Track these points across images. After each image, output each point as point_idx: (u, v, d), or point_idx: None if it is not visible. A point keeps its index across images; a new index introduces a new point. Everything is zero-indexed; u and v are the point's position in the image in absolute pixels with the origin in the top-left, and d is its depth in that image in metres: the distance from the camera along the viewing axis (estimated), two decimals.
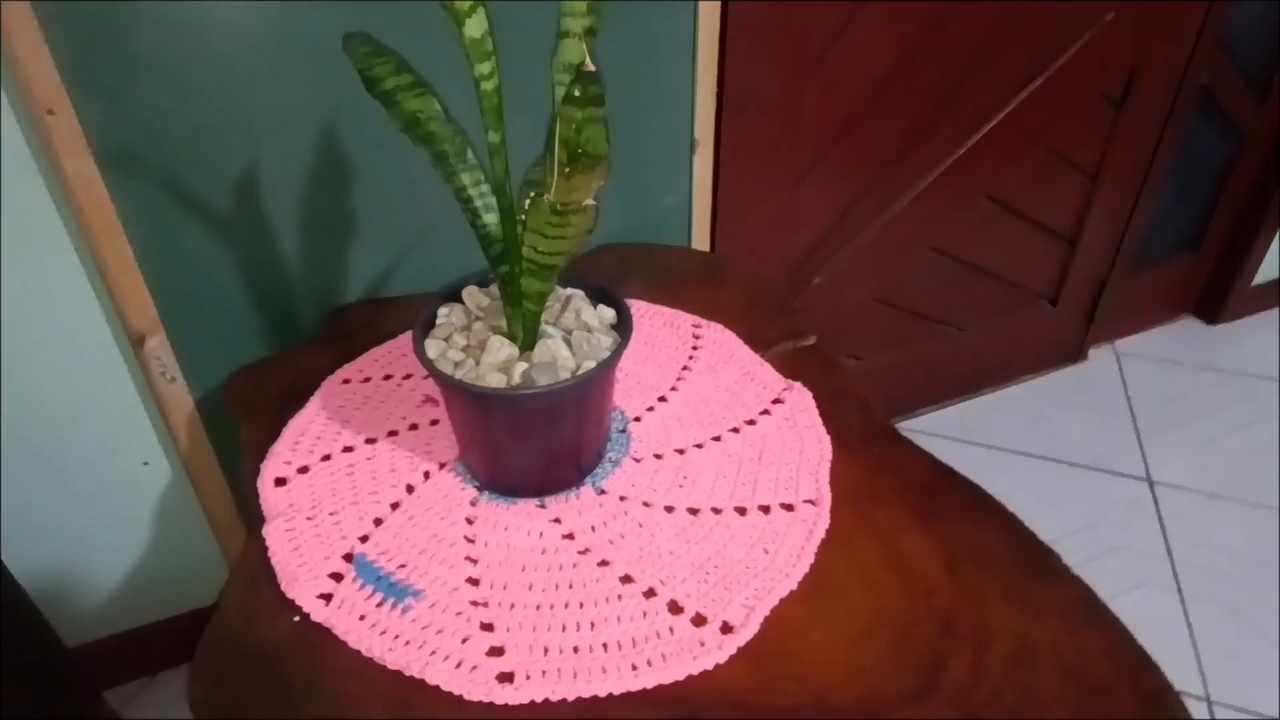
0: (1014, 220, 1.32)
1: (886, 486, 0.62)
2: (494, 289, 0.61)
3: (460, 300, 0.61)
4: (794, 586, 0.53)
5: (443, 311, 0.59)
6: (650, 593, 0.53)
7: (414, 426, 0.67)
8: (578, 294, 0.60)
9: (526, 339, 0.55)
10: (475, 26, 0.43)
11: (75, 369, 0.82)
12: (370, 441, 0.66)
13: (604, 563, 0.55)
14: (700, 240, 1.04)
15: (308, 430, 0.67)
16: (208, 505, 0.91)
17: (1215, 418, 1.47)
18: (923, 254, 1.27)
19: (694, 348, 0.76)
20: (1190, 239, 1.62)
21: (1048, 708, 0.47)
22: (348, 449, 0.65)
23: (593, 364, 0.54)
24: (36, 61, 0.64)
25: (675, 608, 0.52)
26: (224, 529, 0.94)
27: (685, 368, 0.74)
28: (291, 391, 0.73)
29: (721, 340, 0.78)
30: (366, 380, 0.73)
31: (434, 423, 0.68)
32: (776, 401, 0.70)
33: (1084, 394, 1.54)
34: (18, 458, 0.84)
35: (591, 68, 0.38)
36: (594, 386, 0.55)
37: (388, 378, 0.73)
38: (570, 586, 0.53)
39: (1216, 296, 1.68)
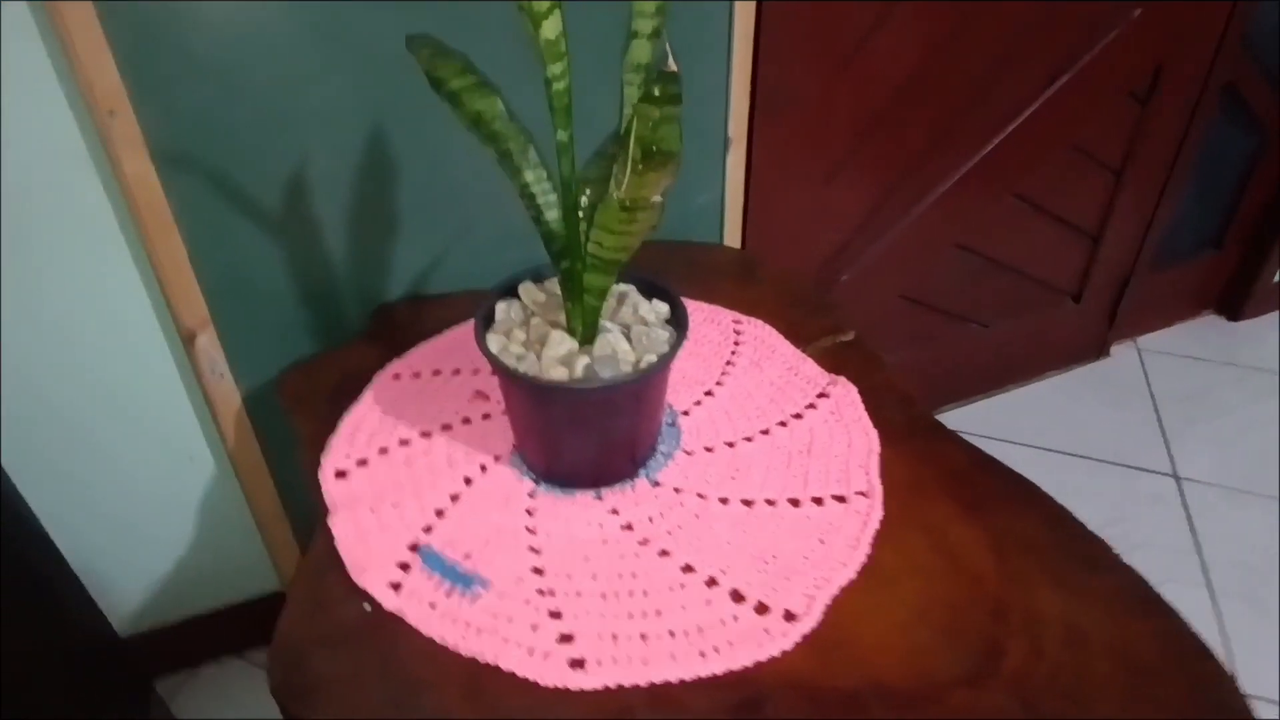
0: (1038, 217, 1.33)
1: (932, 478, 0.63)
2: (549, 284, 0.62)
3: (516, 296, 0.62)
4: (852, 576, 0.54)
5: (501, 307, 0.61)
6: (712, 582, 0.54)
7: (466, 420, 0.69)
8: (631, 289, 0.61)
9: (586, 333, 0.57)
10: (551, 28, 0.44)
11: (126, 365, 0.83)
12: (425, 435, 0.67)
13: (664, 553, 0.56)
14: (732, 238, 1.05)
15: (363, 424, 0.68)
16: (252, 500, 0.93)
17: (1239, 414, 1.48)
18: (949, 251, 1.28)
19: (736, 343, 0.78)
20: (1212, 236, 1.62)
21: (1102, 693, 0.48)
22: (404, 442, 0.66)
23: (653, 357, 0.55)
24: (98, 62, 0.65)
25: (737, 596, 0.53)
26: (268, 523, 0.95)
27: (729, 363, 0.75)
28: (343, 387, 0.74)
29: (762, 336, 0.79)
30: (416, 375, 0.74)
31: (486, 416, 0.69)
32: (821, 396, 0.71)
33: (1107, 390, 1.54)
34: (72, 450, 0.86)
35: (674, 68, 0.39)
36: (653, 379, 0.56)
37: (437, 373, 0.74)
38: (634, 576, 0.54)
39: (1238, 293, 1.68)
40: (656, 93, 0.40)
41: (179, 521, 0.96)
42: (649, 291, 0.62)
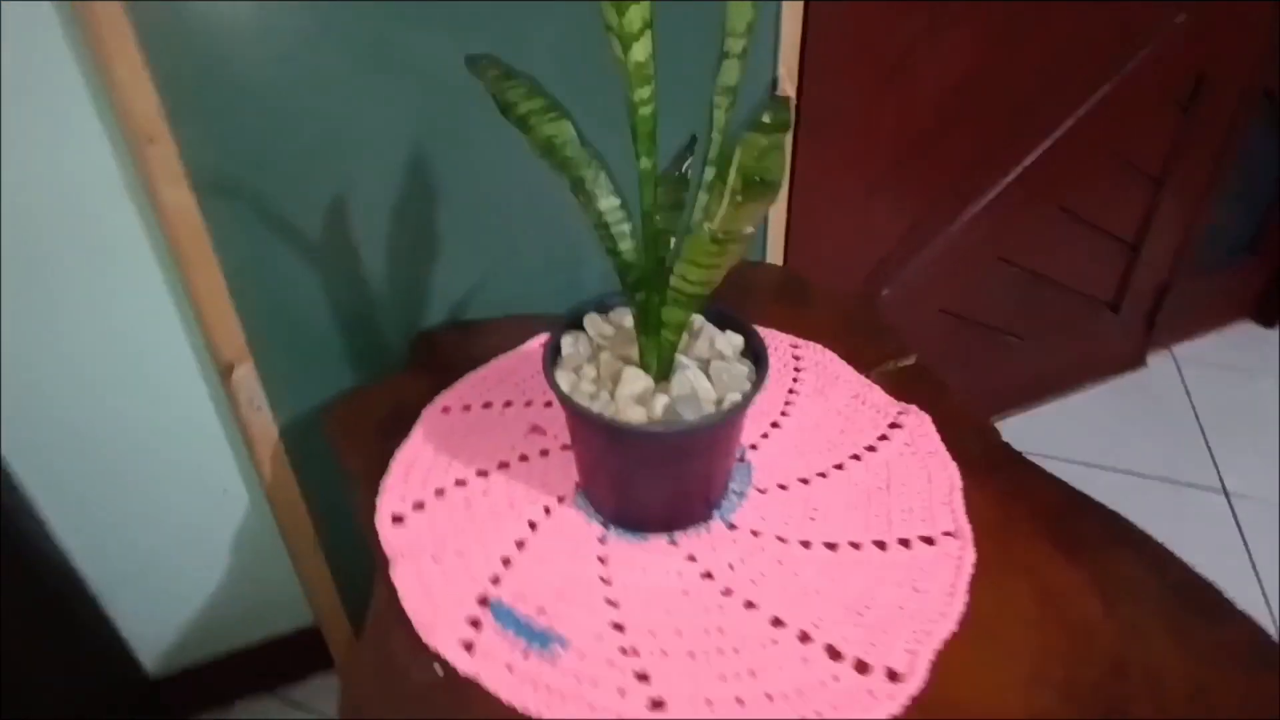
0: (1079, 228, 1.30)
1: (1022, 516, 0.60)
2: (615, 316, 0.59)
3: (580, 328, 0.59)
4: (953, 628, 0.51)
5: (567, 341, 0.57)
6: (805, 637, 0.51)
7: (524, 458, 0.65)
8: (704, 321, 0.58)
9: (661, 369, 0.53)
10: (642, 50, 0.41)
11: (159, 398, 0.80)
12: (482, 474, 0.64)
13: (750, 604, 0.53)
14: (774, 255, 1.02)
15: (416, 463, 0.65)
16: (288, 534, 0.89)
17: None
18: (990, 264, 1.25)
19: (797, 370, 0.74)
20: (1248, 242, 1.59)
21: None
22: (460, 482, 0.63)
23: (737, 396, 0.51)
24: (138, 89, 0.62)
25: (834, 653, 0.50)
26: (303, 557, 0.92)
27: (791, 390, 0.72)
28: (391, 420, 0.71)
29: (823, 361, 0.75)
30: (467, 409, 0.71)
31: (544, 453, 0.66)
32: (893, 426, 0.67)
33: (1147, 403, 1.51)
34: (104, 485, 0.83)
35: (789, 92, 0.36)
36: (736, 418, 0.53)
37: (487, 405, 0.71)
38: (721, 631, 0.51)
39: (1274, 300, 1.65)
40: (767, 119, 0.36)
41: (212, 557, 0.93)
42: (719, 322, 0.58)
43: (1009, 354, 1.39)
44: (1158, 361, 1.59)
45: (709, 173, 0.48)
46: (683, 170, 0.55)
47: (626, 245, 0.51)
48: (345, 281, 0.78)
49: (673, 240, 0.53)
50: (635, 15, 0.38)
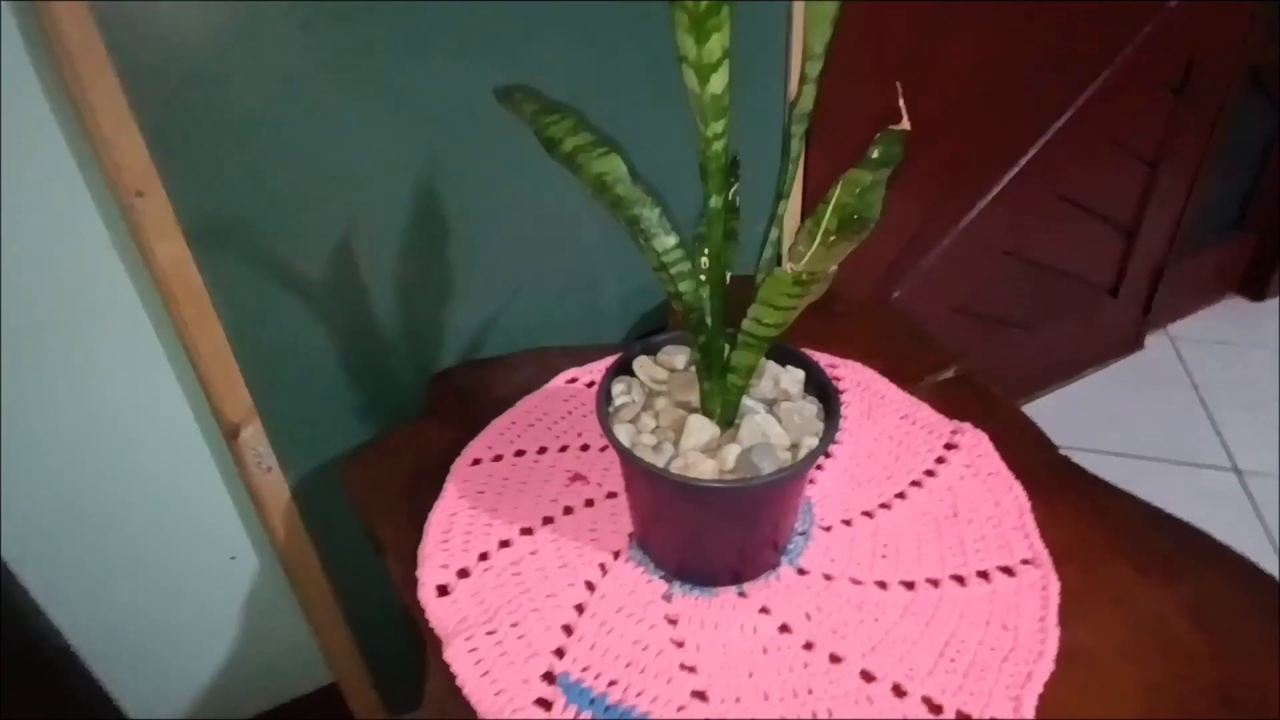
0: (1079, 215, 1.29)
1: (1096, 538, 0.57)
2: (666, 358, 0.55)
3: (630, 372, 0.55)
4: (1052, 667, 0.48)
5: (619, 388, 0.53)
6: (899, 690, 0.48)
7: (569, 510, 0.61)
8: (765, 359, 0.54)
9: (726, 415, 0.50)
10: (719, 82, 0.37)
11: (160, 465, 0.75)
12: (526, 532, 0.59)
13: (835, 658, 0.50)
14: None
15: (453, 525, 0.61)
16: (306, 600, 0.84)
17: None
18: (996, 258, 1.24)
19: (839, 392, 0.71)
20: (1235, 217, 1.60)
21: None
22: (504, 543, 0.59)
23: (813, 440, 0.48)
24: (124, 140, 0.57)
25: (934, 707, 0.47)
26: (319, 616, 0.87)
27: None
28: (415, 476, 0.67)
29: (864, 380, 0.73)
30: (498, 459, 0.67)
31: (589, 504, 0.62)
32: (949, 447, 0.65)
33: (1148, 383, 1.51)
34: (101, 559, 0.77)
35: (906, 126, 0.32)
36: (813, 464, 0.49)
37: (520, 454, 0.67)
38: (810, 692, 0.48)
39: (1261, 273, 1.67)
40: (875, 155, 0.33)
41: (221, 626, 0.87)
42: (778, 358, 0.55)
43: (1016, 345, 1.38)
44: (1154, 341, 1.60)
45: (782, 206, 0.45)
46: (730, 196, 0.51)
47: (687, 285, 0.47)
48: (354, 326, 0.74)
49: (728, 275, 0.49)
50: (716, 44, 0.35)
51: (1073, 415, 1.45)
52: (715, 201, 0.43)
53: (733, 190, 0.52)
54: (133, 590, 0.80)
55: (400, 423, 0.75)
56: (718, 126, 0.39)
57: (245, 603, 0.87)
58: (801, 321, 0.70)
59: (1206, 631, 0.50)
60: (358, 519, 0.67)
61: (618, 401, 0.53)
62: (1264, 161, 1.52)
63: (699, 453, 0.48)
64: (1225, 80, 1.27)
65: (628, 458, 0.48)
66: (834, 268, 0.41)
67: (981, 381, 0.73)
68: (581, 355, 0.77)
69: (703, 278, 0.48)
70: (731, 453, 0.48)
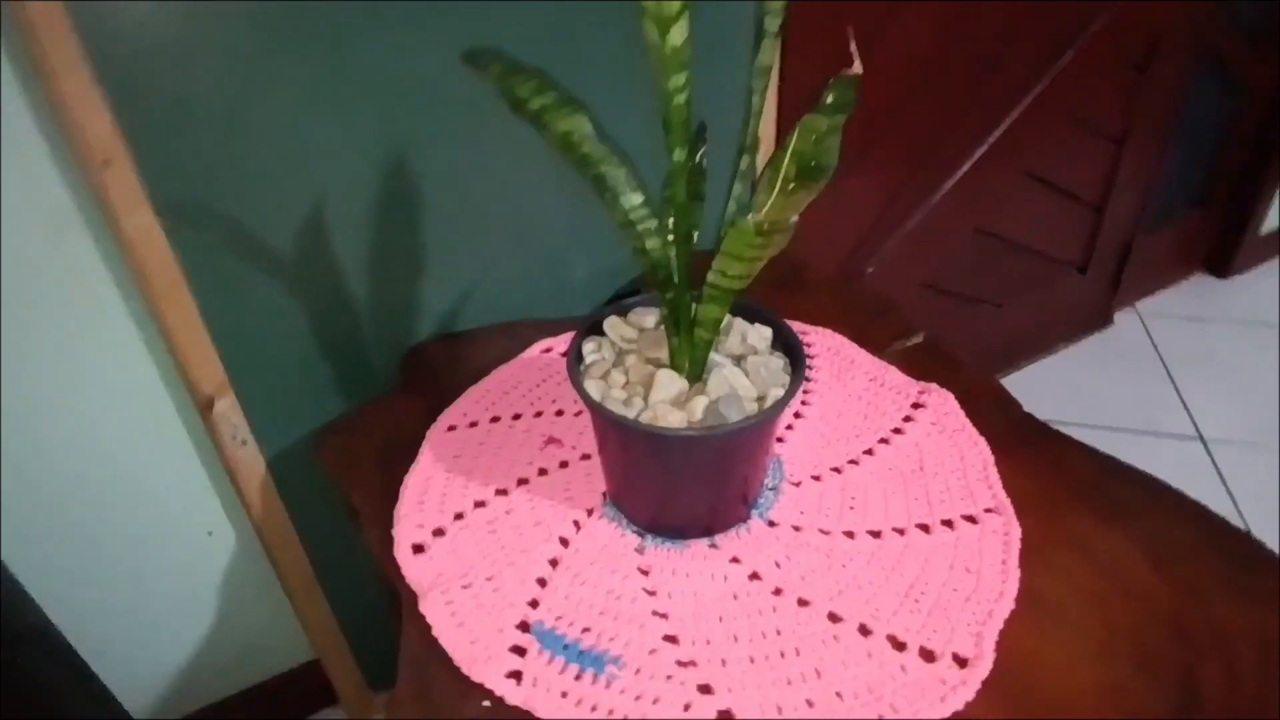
0: (1046, 192, 1.31)
1: (1060, 488, 0.59)
2: (636, 318, 0.56)
3: (600, 332, 0.56)
4: (1012, 606, 0.50)
5: (589, 347, 0.54)
6: (865, 630, 0.49)
7: (543, 471, 0.62)
8: (732, 316, 0.55)
9: (695, 369, 0.51)
10: (678, 34, 0.38)
11: (133, 440, 0.75)
12: (501, 493, 0.60)
13: (804, 601, 0.51)
14: None
15: (429, 487, 0.61)
16: (284, 573, 0.85)
17: (1247, 369, 1.49)
18: (965, 235, 1.26)
19: (810, 357, 0.73)
20: (1198, 194, 1.64)
21: None
22: (479, 504, 0.60)
23: (779, 390, 0.49)
24: (89, 109, 0.57)
25: (897, 643, 0.48)
26: (299, 592, 0.87)
27: (807, 379, 0.70)
28: (390, 446, 0.67)
29: (834, 345, 0.74)
30: (473, 425, 0.67)
31: (563, 465, 0.63)
32: (916, 406, 0.66)
33: (1117, 358, 1.54)
34: (77, 537, 0.77)
35: (858, 70, 0.33)
36: (780, 414, 0.51)
37: (495, 420, 0.68)
38: (778, 633, 0.49)
39: (1226, 250, 1.71)
40: (830, 100, 0.34)
41: (200, 602, 0.87)
42: (745, 315, 0.56)
43: (985, 322, 1.41)
44: (1123, 318, 1.64)
45: (744, 161, 0.46)
46: (698, 160, 0.52)
47: (654, 243, 0.48)
48: (326, 300, 0.74)
49: (695, 234, 0.50)
50: None
51: (1043, 390, 1.48)
52: (678, 155, 0.44)
53: (700, 153, 0.53)
54: (108, 568, 0.80)
55: (374, 396, 0.76)
56: (679, 79, 0.40)
57: (224, 579, 0.87)
58: (773, 296, 0.72)
59: (1163, 572, 0.52)
60: (333, 488, 0.67)
61: (589, 360, 0.54)
62: (1225, 141, 1.56)
63: (668, 405, 0.49)
64: (1187, 59, 1.30)
65: (598, 410, 0.49)
66: (795, 219, 0.42)
67: (947, 347, 0.75)
68: (553, 327, 0.78)
69: (670, 237, 0.49)
70: (699, 404, 0.49)
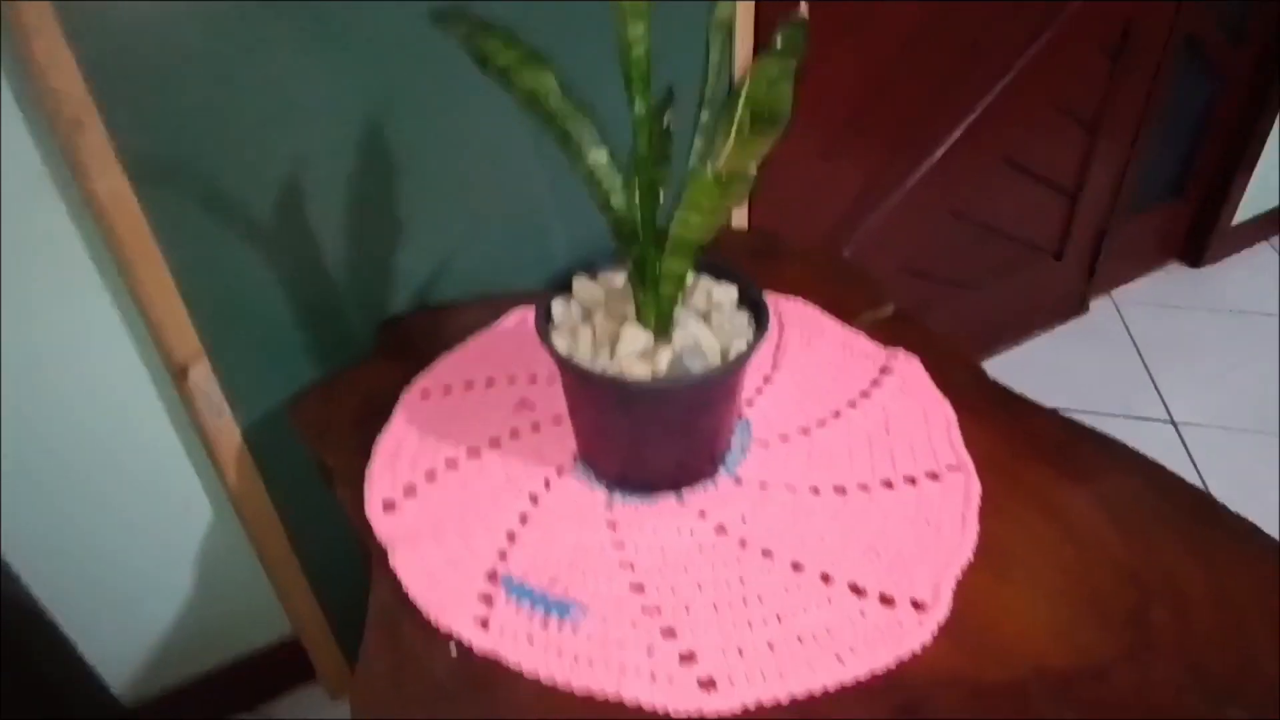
0: (1022, 177, 1.33)
1: (1020, 447, 0.60)
2: (605, 278, 0.57)
3: (569, 293, 0.57)
4: (970, 556, 0.51)
5: (557, 306, 0.55)
6: (826, 578, 0.50)
7: (515, 433, 0.63)
8: (698, 274, 0.56)
9: (661, 324, 0.52)
10: None
11: (106, 410, 0.75)
12: (473, 454, 0.61)
13: (767, 552, 0.52)
14: (738, 218, 1.01)
15: (401, 448, 0.62)
16: (259, 542, 0.85)
17: (1219, 355, 1.52)
18: (943, 218, 1.28)
19: (781, 325, 0.74)
20: (1173, 185, 1.66)
21: (1267, 653, 0.46)
22: (451, 464, 0.60)
23: (742, 344, 0.50)
24: (61, 70, 0.57)
25: (857, 590, 0.49)
26: (277, 566, 0.87)
27: (778, 346, 0.71)
28: (366, 411, 0.68)
29: (806, 314, 0.75)
30: (448, 390, 0.68)
31: (535, 428, 0.63)
32: (884, 370, 0.67)
33: (1092, 344, 1.57)
34: (51, 510, 0.76)
35: (804, 14, 0.34)
36: (743, 366, 0.52)
37: (469, 385, 0.68)
38: (741, 581, 0.50)
39: (1200, 239, 1.73)
40: (780, 44, 0.35)
41: (177, 575, 0.87)
42: (712, 274, 0.57)
43: (962, 307, 1.42)
44: (1099, 305, 1.66)
45: (704, 115, 0.47)
46: (665, 123, 0.53)
47: (618, 199, 0.49)
48: (303, 269, 0.74)
49: (663, 194, 0.51)
50: None
51: (1019, 374, 1.49)
52: (639, 107, 0.45)
53: (667, 116, 0.54)
54: (84, 542, 0.80)
55: (351, 368, 0.76)
56: (638, 29, 0.41)
57: (201, 552, 0.87)
58: (750, 267, 0.73)
59: (1118, 524, 0.54)
60: (307, 451, 0.68)
61: (558, 319, 0.55)
62: (1201, 132, 1.58)
63: (634, 358, 0.50)
64: (1160, 46, 1.32)
65: (565, 365, 0.49)
66: (753, 170, 0.43)
67: (917, 317, 0.76)
68: (532, 300, 0.79)
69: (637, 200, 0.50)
70: (664, 357, 0.50)
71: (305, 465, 0.81)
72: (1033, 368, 1.52)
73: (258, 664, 0.97)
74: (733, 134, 0.39)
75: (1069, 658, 0.45)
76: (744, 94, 0.38)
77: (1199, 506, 0.55)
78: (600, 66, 0.70)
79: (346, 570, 0.92)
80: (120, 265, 0.66)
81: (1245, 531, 0.53)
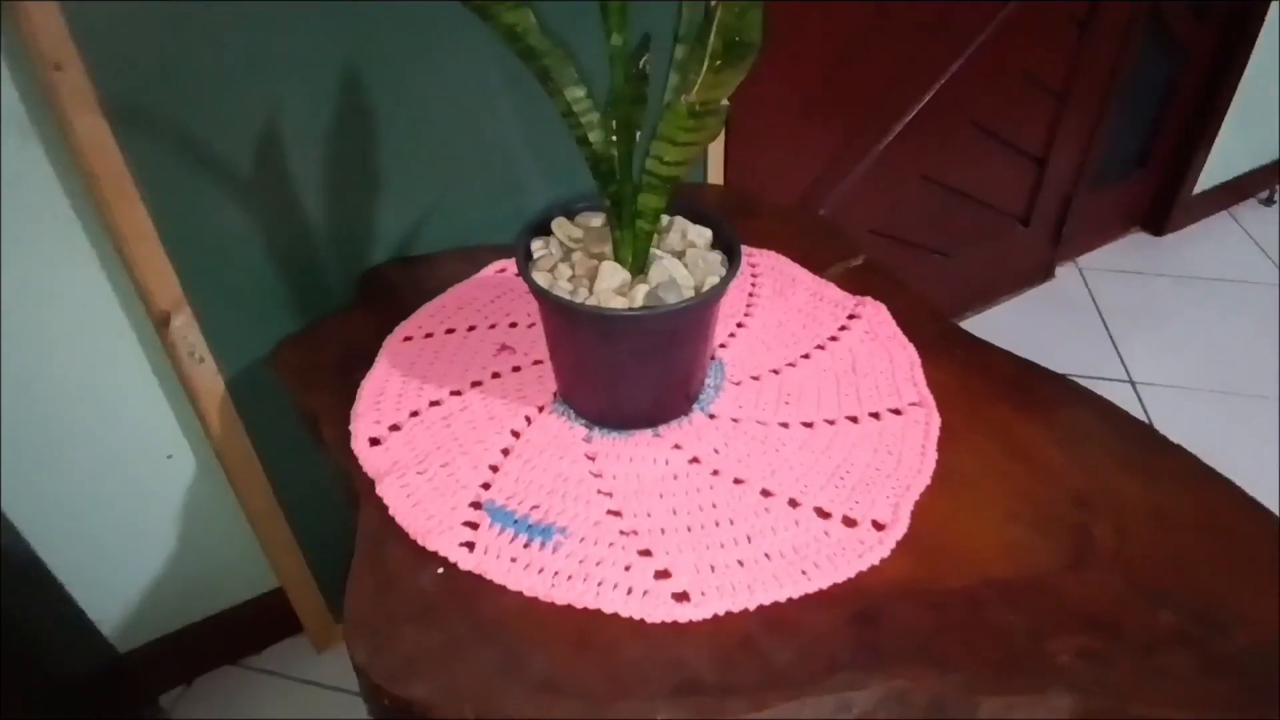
0: (992, 144, 1.36)
1: (979, 385, 0.63)
2: (583, 219, 0.59)
3: (548, 233, 0.58)
4: (928, 481, 0.54)
5: (537, 245, 0.57)
6: (793, 503, 0.53)
7: (496, 375, 0.65)
8: (675, 216, 0.58)
9: (637, 262, 0.54)
10: None
11: (86, 359, 0.75)
12: (456, 394, 0.63)
13: (739, 480, 0.55)
14: (714, 178, 1.03)
15: (385, 390, 0.63)
16: (242, 493, 0.86)
17: (1178, 320, 1.57)
18: (914, 183, 1.30)
19: (754, 275, 0.76)
20: (1138, 155, 1.70)
21: (1198, 562, 0.49)
22: (435, 403, 0.62)
23: (715, 279, 0.52)
24: (42, 9, 0.57)
25: (822, 513, 0.52)
26: (260, 517, 0.89)
27: (751, 294, 0.74)
28: (346, 357, 0.69)
29: (778, 265, 0.77)
30: (429, 336, 0.69)
31: (516, 369, 0.65)
32: (852, 317, 0.70)
33: (1058, 309, 1.61)
34: (34, 460, 0.77)
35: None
36: (714, 303, 0.54)
37: (450, 331, 0.70)
38: (714, 506, 0.53)
39: (1162, 209, 1.78)
40: None
41: (162, 527, 0.88)
42: (687, 215, 0.59)
43: (933, 272, 1.46)
44: (1065, 272, 1.70)
45: (680, 50, 0.48)
46: (641, 66, 0.55)
47: (596, 135, 0.51)
48: (283, 218, 0.75)
49: (638, 135, 0.53)
50: None
51: (987, 338, 1.54)
52: (616, 40, 0.46)
53: (644, 60, 0.55)
54: (68, 493, 0.80)
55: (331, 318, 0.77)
56: None
57: (185, 503, 0.88)
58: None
59: (1068, 454, 0.57)
60: (290, 397, 0.69)
61: (537, 256, 0.56)
62: (1165, 104, 1.62)
63: (611, 292, 0.52)
64: (1127, 18, 1.35)
65: (544, 297, 0.51)
66: (726, 101, 0.45)
67: (885, 267, 0.79)
68: (510, 250, 0.80)
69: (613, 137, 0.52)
70: (640, 291, 0.52)
71: (286, 415, 0.82)
72: (999, 332, 1.54)
73: (243, 616, 0.99)
74: (705, 64, 0.41)
75: (1016, 569, 0.48)
76: (715, 23, 0.39)
77: (1142, 436, 0.58)
78: (578, 20, 0.72)
79: (330, 524, 0.94)
80: (100, 208, 0.66)
81: (1184, 459, 0.56)
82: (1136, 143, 1.68)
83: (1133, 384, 1.42)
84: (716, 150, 1.01)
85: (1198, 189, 1.77)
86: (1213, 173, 1.75)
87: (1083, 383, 0.61)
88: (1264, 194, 1.92)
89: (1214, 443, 1.25)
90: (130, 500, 0.84)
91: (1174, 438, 0.57)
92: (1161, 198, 1.77)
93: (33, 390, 0.74)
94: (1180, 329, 1.55)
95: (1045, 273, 1.67)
